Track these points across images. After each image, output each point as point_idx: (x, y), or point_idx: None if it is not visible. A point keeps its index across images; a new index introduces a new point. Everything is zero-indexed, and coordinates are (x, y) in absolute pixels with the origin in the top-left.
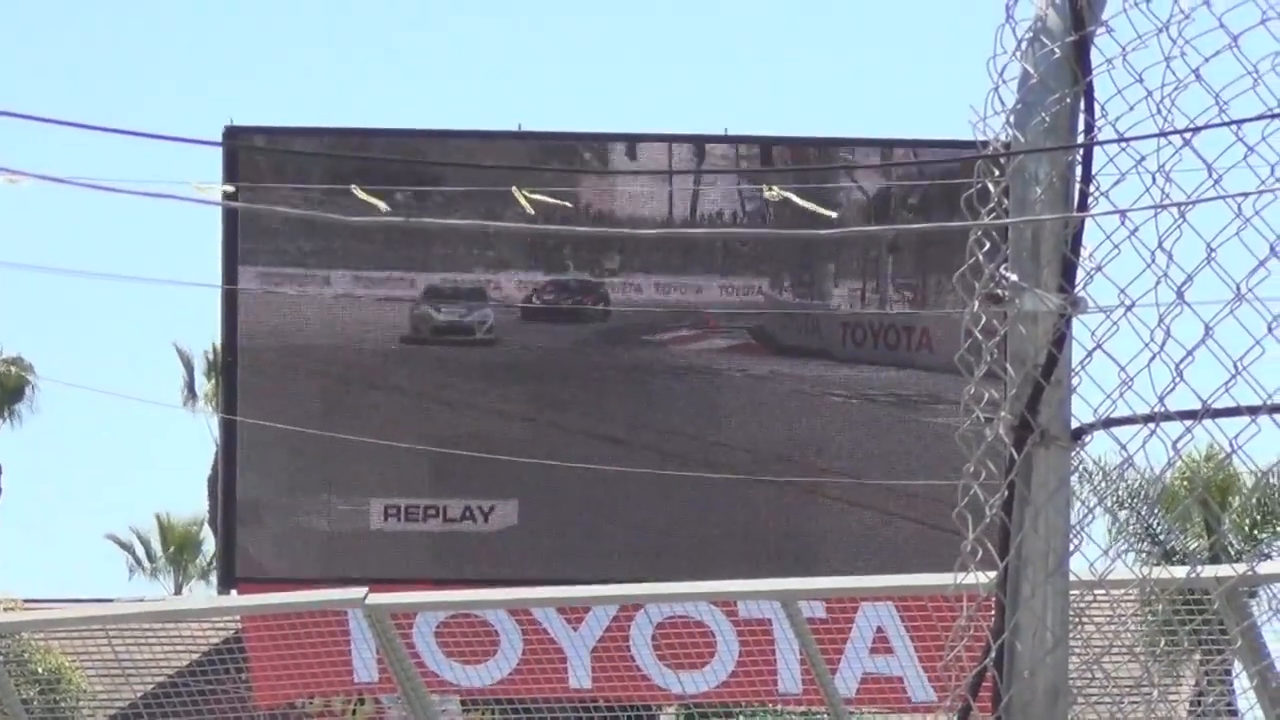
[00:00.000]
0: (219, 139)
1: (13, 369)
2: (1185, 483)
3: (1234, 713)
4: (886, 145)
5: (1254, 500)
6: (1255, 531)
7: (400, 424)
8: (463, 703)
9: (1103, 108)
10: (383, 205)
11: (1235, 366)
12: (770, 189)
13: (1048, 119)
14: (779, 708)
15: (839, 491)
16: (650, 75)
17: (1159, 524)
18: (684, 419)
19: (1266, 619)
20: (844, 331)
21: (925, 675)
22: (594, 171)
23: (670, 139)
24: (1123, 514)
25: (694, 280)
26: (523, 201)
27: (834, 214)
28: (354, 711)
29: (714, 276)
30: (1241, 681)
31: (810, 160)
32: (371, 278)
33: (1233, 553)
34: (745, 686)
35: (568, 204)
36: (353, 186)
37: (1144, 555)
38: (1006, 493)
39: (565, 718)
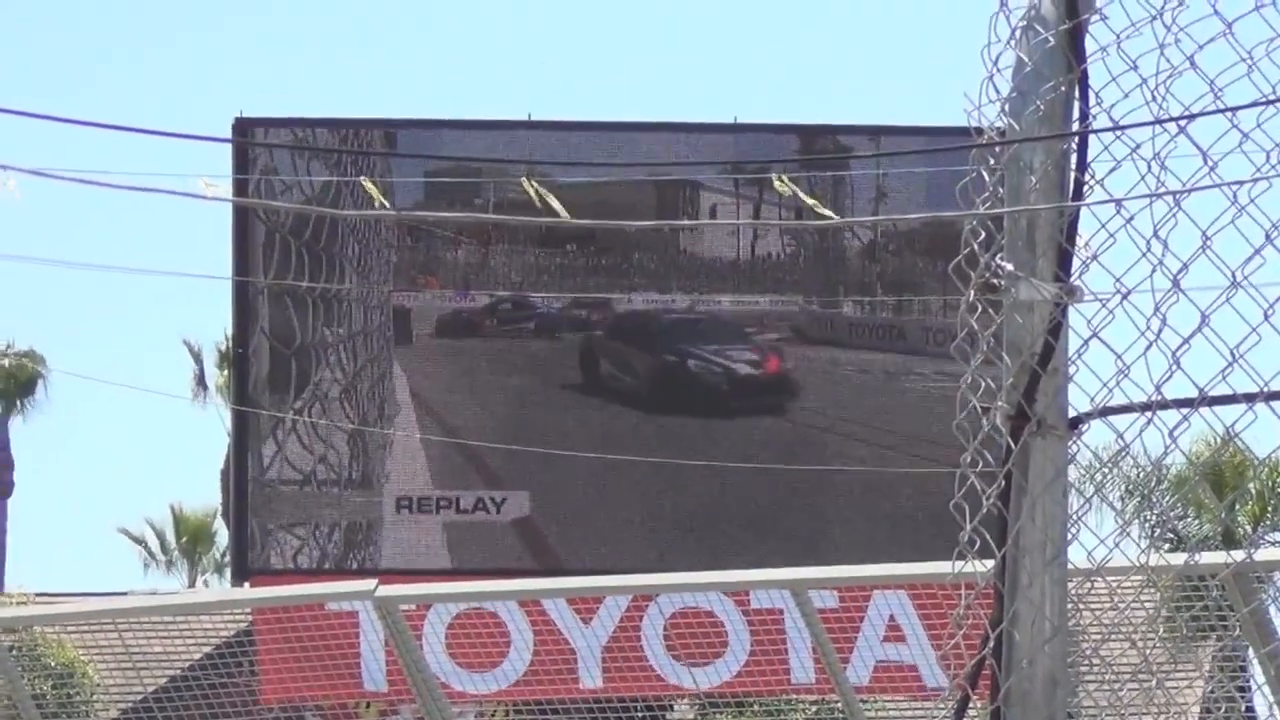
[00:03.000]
0: (229, 128)
1: (25, 362)
2: (1192, 469)
3: (1243, 695)
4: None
5: (1260, 486)
6: (1267, 517)
7: (418, 416)
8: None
9: (1097, 96)
10: (384, 202)
11: (1232, 354)
12: (780, 179)
13: (1042, 107)
14: (792, 698)
15: (851, 480)
16: (652, 64)
17: (1162, 511)
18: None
19: (1271, 599)
20: (850, 329)
21: (938, 662)
22: (612, 164)
23: (690, 128)
24: (1128, 503)
25: (753, 296)
26: (531, 193)
27: (833, 215)
28: (367, 704)
29: (766, 294)
30: (1257, 673)
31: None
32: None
33: (1241, 537)
34: (758, 678)
35: (567, 217)
36: (362, 178)
37: (1147, 543)
38: (1004, 482)
39: (580, 713)
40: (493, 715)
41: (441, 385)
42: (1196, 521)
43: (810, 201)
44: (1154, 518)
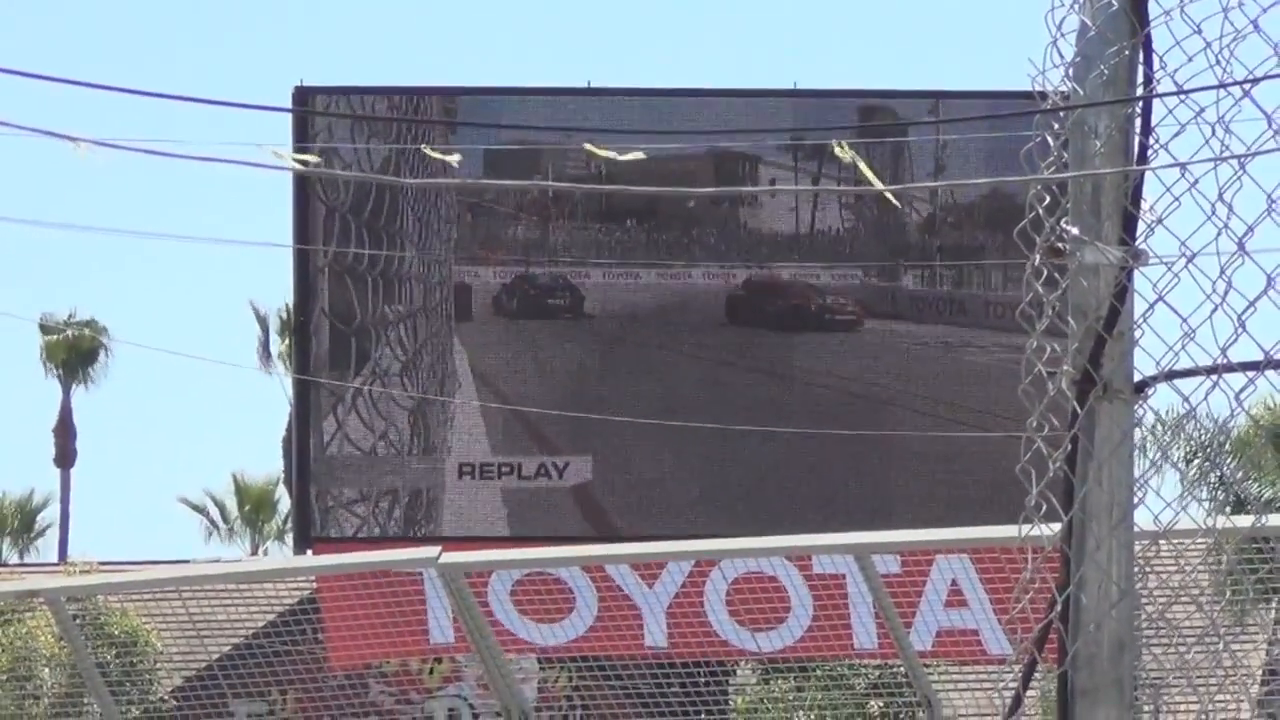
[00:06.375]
0: (289, 95)
1: (86, 332)
2: (1257, 431)
3: None
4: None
5: None
6: None
7: (479, 391)
8: (539, 661)
9: (1161, 60)
10: (454, 160)
11: None
12: (840, 145)
13: (1106, 71)
14: (855, 663)
15: (911, 444)
16: (711, 30)
17: (1228, 473)
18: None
19: None
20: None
21: (1000, 627)
22: (671, 132)
23: (756, 93)
24: (1192, 465)
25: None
26: (598, 153)
27: (897, 204)
28: (431, 670)
29: (829, 264)
30: None
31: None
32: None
33: None
34: (820, 642)
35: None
36: (424, 145)
37: (1211, 505)
38: (1070, 446)
39: (642, 675)
40: (556, 680)
41: (503, 361)
42: (1257, 485)
43: (868, 174)
44: (1216, 480)
